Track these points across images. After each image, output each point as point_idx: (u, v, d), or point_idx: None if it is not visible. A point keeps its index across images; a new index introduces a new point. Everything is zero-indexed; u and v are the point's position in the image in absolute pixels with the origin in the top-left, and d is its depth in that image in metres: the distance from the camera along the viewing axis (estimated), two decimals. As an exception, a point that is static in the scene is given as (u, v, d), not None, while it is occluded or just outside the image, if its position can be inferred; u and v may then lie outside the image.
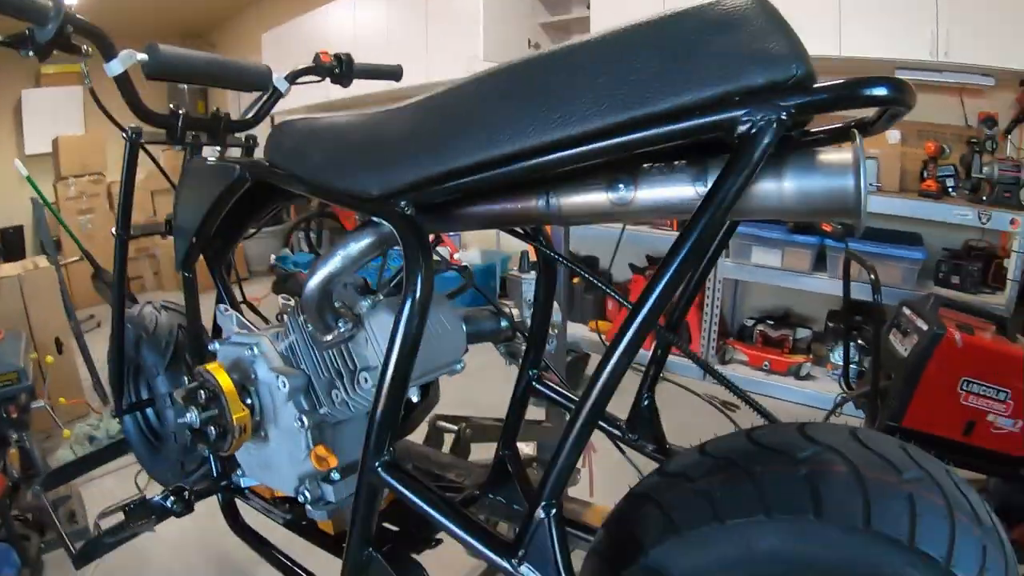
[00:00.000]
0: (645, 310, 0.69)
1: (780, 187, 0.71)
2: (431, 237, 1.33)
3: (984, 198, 3.32)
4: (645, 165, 0.80)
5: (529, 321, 1.26)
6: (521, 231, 1.09)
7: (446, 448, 1.78)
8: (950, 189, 3.50)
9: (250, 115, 1.74)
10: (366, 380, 1.06)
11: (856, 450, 0.73)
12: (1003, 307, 3.22)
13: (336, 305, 1.08)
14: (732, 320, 4.65)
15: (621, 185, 0.80)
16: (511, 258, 5.32)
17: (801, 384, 3.92)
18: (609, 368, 0.71)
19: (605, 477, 2.17)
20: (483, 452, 1.86)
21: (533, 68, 0.77)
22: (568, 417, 0.76)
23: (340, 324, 1.05)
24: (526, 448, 1.88)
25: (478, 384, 2.44)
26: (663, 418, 3.35)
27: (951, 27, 3.18)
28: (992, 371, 2.33)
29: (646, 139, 0.68)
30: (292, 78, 1.81)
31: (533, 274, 1.28)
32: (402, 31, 5.38)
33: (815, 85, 0.63)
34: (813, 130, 0.76)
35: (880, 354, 2.51)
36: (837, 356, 3.94)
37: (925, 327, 2.38)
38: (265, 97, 1.77)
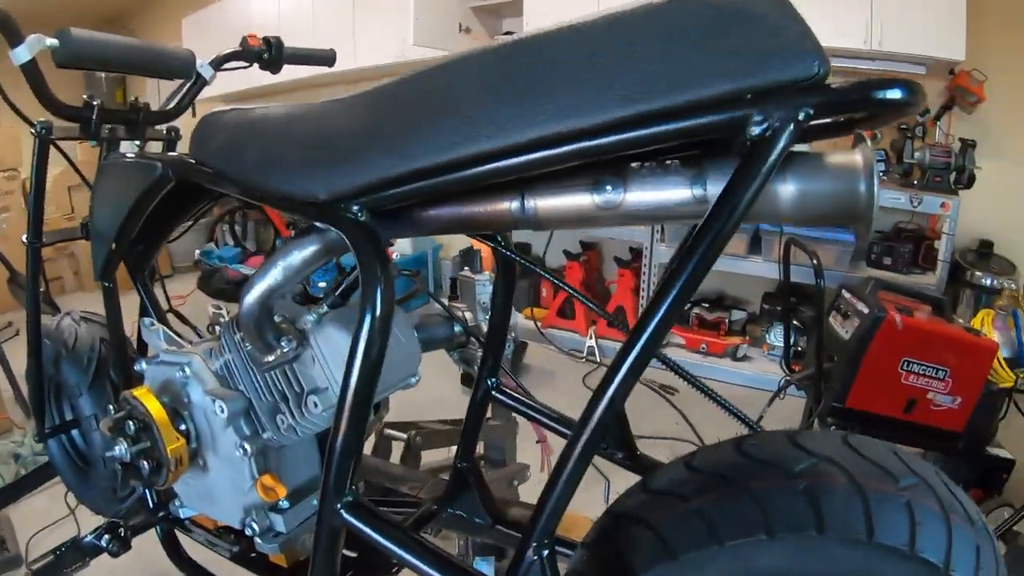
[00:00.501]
0: (651, 328, 0.61)
1: (783, 191, 0.64)
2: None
3: (915, 182, 3.43)
4: (634, 165, 0.71)
5: (484, 325, 1.18)
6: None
7: (395, 457, 1.69)
8: (882, 174, 3.56)
9: (171, 105, 1.60)
10: (315, 404, 0.97)
11: (851, 459, 0.71)
12: (934, 287, 3.34)
13: (277, 320, 0.98)
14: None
15: (608, 186, 0.70)
16: (443, 247, 5.22)
17: (738, 366, 3.96)
18: (609, 394, 0.63)
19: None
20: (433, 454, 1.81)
21: (517, 54, 0.68)
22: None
23: (283, 343, 0.95)
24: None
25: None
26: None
27: (884, 17, 3.25)
28: (931, 351, 2.37)
29: (647, 138, 0.60)
30: (217, 64, 1.69)
31: (487, 275, 1.21)
32: (329, 14, 5.17)
33: (832, 85, 0.57)
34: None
35: (823, 336, 2.52)
36: (773, 337, 3.99)
37: (866, 310, 2.41)
38: (188, 85, 1.64)
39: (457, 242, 5.07)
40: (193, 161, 1.00)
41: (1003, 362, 2.49)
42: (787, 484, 0.69)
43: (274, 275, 0.89)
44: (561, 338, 4.34)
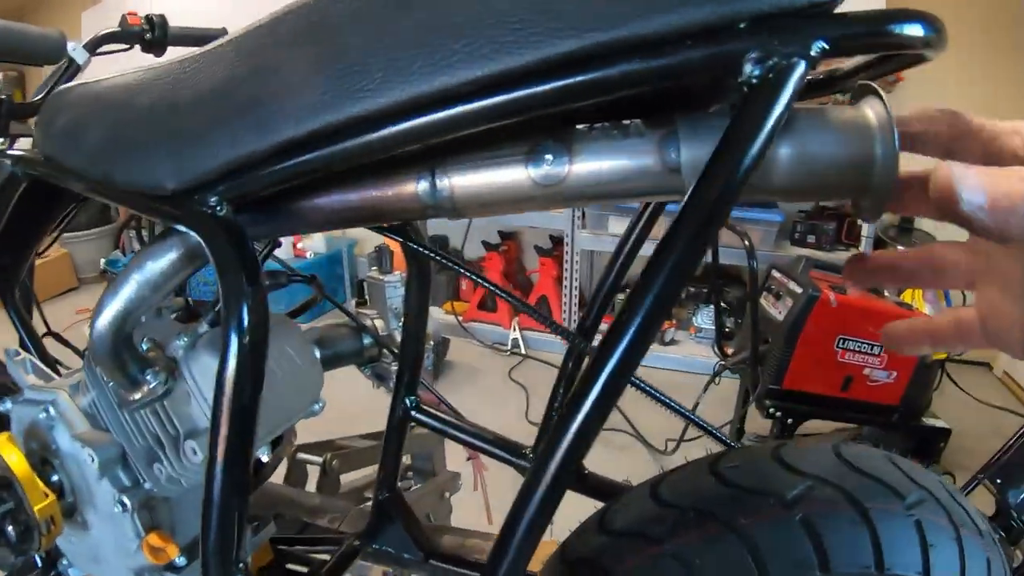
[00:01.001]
0: (631, 332, 0.43)
1: (776, 158, 0.47)
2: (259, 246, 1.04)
3: None
4: (579, 127, 0.52)
5: (398, 334, 1.00)
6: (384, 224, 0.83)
7: (312, 483, 1.50)
8: None
9: (40, 96, 1.39)
10: (194, 451, 0.78)
11: (850, 477, 0.61)
12: None
13: (143, 348, 0.78)
14: (590, 292, 4.54)
15: (549, 155, 0.51)
16: (358, 243, 4.93)
17: (667, 350, 3.89)
18: (581, 417, 0.45)
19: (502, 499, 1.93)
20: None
21: None
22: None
23: (149, 377, 0.76)
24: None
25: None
26: (535, 397, 3.14)
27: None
28: (866, 327, 2.38)
29: (602, 82, 0.43)
30: (92, 47, 1.48)
31: (398, 276, 1.03)
32: (234, 11, 4.87)
33: (850, 14, 0.43)
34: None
35: (758, 319, 2.47)
36: (699, 319, 3.95)
37: (799, 289, 2.40)
38: (59, 72, 1.43)
39: (376, 237, 4.78)
40: (38, 155, 0.79)
41: None
42: (781, 516, 0.58)
43: (126, 294, 0.69)
44: (484, 332, 4.20)
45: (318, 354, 0.93)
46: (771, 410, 2.46)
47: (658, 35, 0.42)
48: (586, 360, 0.90)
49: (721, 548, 0.58)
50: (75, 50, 1.44)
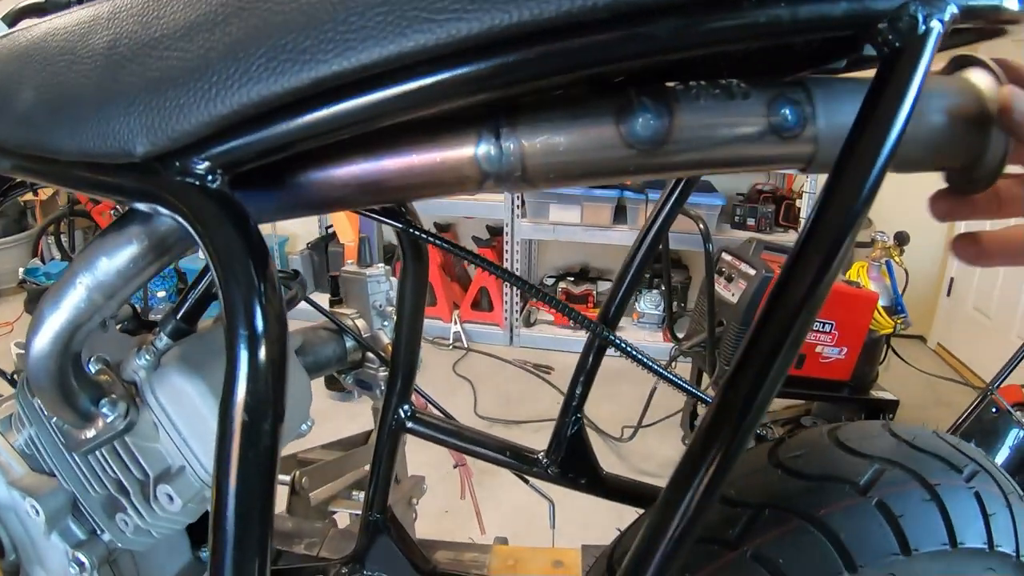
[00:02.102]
0: (797, 321, 0.37)
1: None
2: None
3: None
4: (675, 84, 0.43)
5: (383, 336, 0.86)
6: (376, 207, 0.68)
7: (280, 502, 1.34)
8: None
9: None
10: (170, 497, 0.62)
11: (911, 455, 0.60)
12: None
13: (93, 371, 0.63)
14: (530, 281, 4.46)
15: (648, 113, 0.41)
16: (290, 239, 4.66)
17: (608, 337, 3.82)
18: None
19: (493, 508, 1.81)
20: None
21: None
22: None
23: (105, 409, 0.60)
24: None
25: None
26: (481, 392, 3.03)
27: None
28: None
29: (732, 30, 0.36)
30: (11, 20, 1.29)
31: (383, 268, 0.88)
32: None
33: None
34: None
35: (714, 302, 2.42)
36: (642, 304, 3.90)
37: (752, 271, 2.38)
38: None
39: (305, 230, 4.51)
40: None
41: (881, 311, 2.55)
42: (858, 503, 0.56)
43: (73, 303, 0.52)
44: (424, 326, 4.03)
45: (300, 363, 0.79)
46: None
47: None
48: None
49: (803, 543, 0.55)
50: (-7, 24, 1.25)
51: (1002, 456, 1.94)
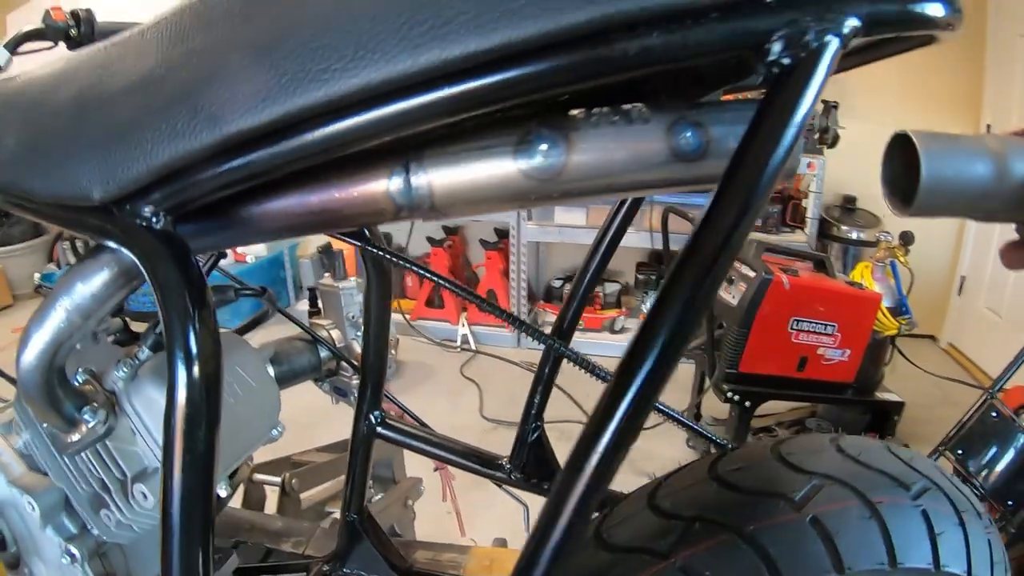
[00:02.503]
0: (660, 341, 0.39)
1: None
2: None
3: None
4: (576, 112, 0.46)
5: (357, 345, 0.93)
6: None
7: (271, 503, 1.41)
8: None
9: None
10: (144, 495, 0.69)
11: (854, 471, 0.60)
12: (805, 244, 3.44)
13: (78, 381, 0.70)
14: (538, 284, 4.51)
15: (543, 144, 0.44)
16: (300, 244, 4.75)
17: (617, 338, 3.89)
18: (604, 444, 0.40)
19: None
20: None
21: None
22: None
23: (87, 415, 0.67)
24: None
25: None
26: (488, 394, 3.09)
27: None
28: (819, 308, 2.39)
29: (615, 60, 0.38)
30: (13, 45, 1.38)
31: (353, 282, 0.95)
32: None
33: None
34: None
35: (712, 305, 2.45)
36: (648, 307, 3.91)
37: (752, 274, 2.38)
38: None
39: (320, 236, 4.62)
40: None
41: (885, 312, 2.54)
42: (791, 519, 0.56)
43: (54, 323, 0.60)
44: (432, 329, 4.10)
45: (273, 373, 0.86)
46: (729, 394, 2.44)
47: (679, 8, 0.37)
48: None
49: (732, 557, 0.55)
50: (-5, 51, 1.33)
51: (1004, 462, 1.88)
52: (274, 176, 0.45)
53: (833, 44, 0.37)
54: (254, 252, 4.41)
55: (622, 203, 0.78)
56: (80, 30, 1.43)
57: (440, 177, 0.46)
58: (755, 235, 3.41)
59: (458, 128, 0.46)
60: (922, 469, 0.62)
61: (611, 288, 4.12)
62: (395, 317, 4.00)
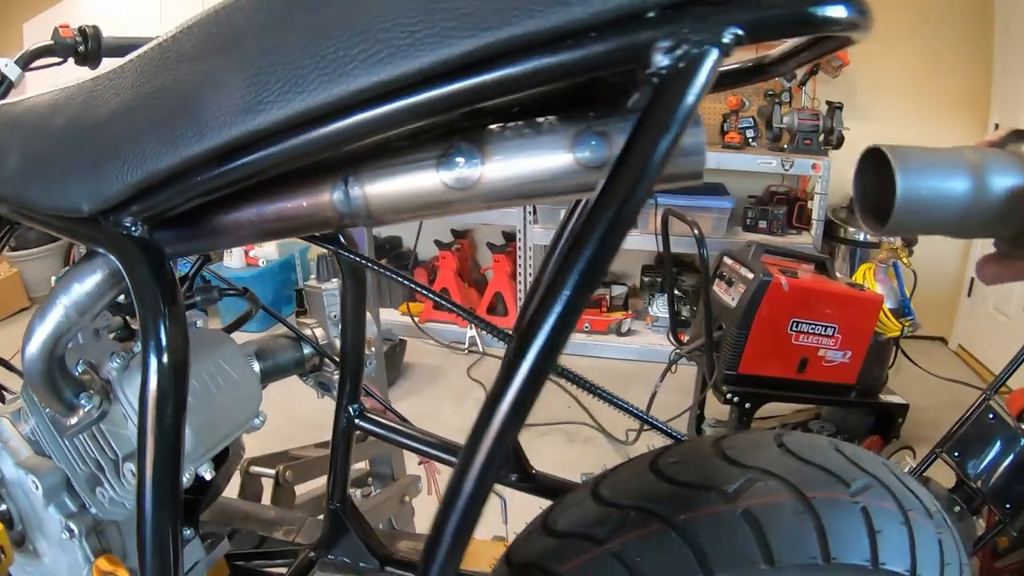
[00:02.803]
0: (542, 338, 0.43)
1: (965, 195, 0.51)
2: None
3: (785, 146, 3.56)
4: (493, 126, 0.52)
5: (339, 343, 1.01)
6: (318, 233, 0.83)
7: (267, 495, 1.49)
8: (751, 140, 3.67)
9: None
10: (133, 474, 0.78)
11: (792, 467, 0.62)
12: (811, 246, 3.50)
13: (78, 371, 0.78)
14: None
15: (460, 158, 0.51)
16: (311, 248, 4.87)
17: (624, 340, 3.96)
18: (499, 421, 0.46)
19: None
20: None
21: None
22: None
23: (83, 401, 0.76)
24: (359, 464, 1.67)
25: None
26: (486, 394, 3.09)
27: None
28: (818, 309, 2.43)
29: (506, 80, 0.42)
30: (25, 62, 1.46)
31: (336, 283, 1.02)
32: (178, 13, 4.83)
33: None
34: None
35: (711, 306, 2.50)
36: (656, 308, 4.02)
37: (751, 275, 2.42)
38: None
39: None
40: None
41: (888, 313, 2.57)
42: (723, 511, 0.58)
43: (54, 319, 0.69)
44: (441, 331, 4.20)
45: (257, 367, 0.94)
46: (728, 395, 2.48)
47: (560, 30, 0.41)
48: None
49: (662, 546, 0.58)
50: (7, 66, 1.41)
51: (1002, 465, 1.86)
52: (230, 190, 0.54)
53: (712, 54, 0.40)
54: (265, 255, 4.53)
55: (576, 204, 0.84)
56: (88, 46, 1.51)
57: (374, 189, 0.54)
58: (760, 237, 3.47)
59: (389, 145, 0.53)
60: (868, 467, 0.63)
61: (618, 291, 4.19)
62: (404, 320, 4.12)
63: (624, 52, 0.41)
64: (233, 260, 4.50)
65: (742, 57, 0.55)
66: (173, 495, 0.57)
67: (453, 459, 0.98)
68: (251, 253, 4.54)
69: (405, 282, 0.84)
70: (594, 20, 0.40)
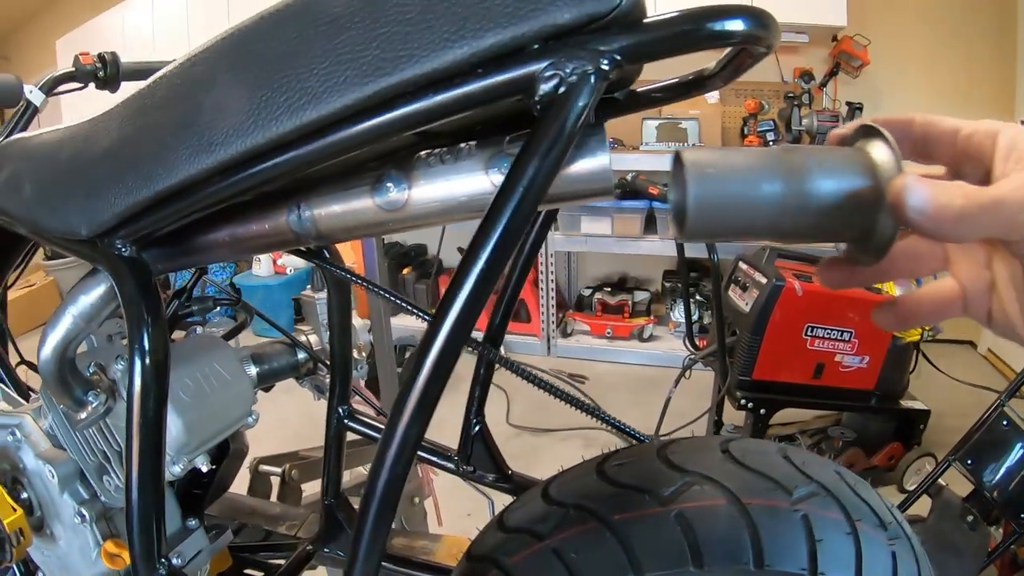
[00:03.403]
0: (445, 329, 0.50)
1: (787, 197, 0.48)
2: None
3: None
4: (422, 153, 0.60)
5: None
6: (303, 248, 0.94)
7: (275, 493, 1.61)
8: (771, 142, 3.72)
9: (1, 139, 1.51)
10: (133, 462, 0.90)
11: (732, 473, 0.64)
12: (834, 249, 3.34)
13: (89, 372, 0.90)
14: (569, 292, 4.70)
15: (390, 184, 0.59)
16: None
17: (646, 346, 4.02)
18: (409, 412, 0.54)
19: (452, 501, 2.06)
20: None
21: (251, 36, 0.56)
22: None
23: (91, 398, 0.87)
24: (362, 469, 1.76)
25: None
26: (515, 401, 3.24)
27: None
28: (834, 314, 2.44)
29: (405, 118, 0.49)
30: (48, 88, 1.58)
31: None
32: (204, 27, 5.00)
33: (646, 20, 0.46)
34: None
35: (722, 311, 2.55)
36: (677, 314, 4.07)
37: (764, 280, 2.44)
38: (18, 114, 1.53)
39: (345, 251, 4.90)
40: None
41: None
42: (655, 513, 0.62)
43: (64, 327, 0.80)
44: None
45: (253, 370, 1.05)
46: (742, 401, 2.51)
47: (450, 70, 0.47)
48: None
49: (597, 544, 0.62)
50: (32, 93, 1.53)
51: (1017, 474, 1.87)
52: (200, 215, 0.65)
53: (589, 80, 0.44)
54: (293, 264, 4.71)
55: (538, 215, 0.91)
56: (107, 71, 1.62)
57: (321, 212, 0.64)
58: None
59: (334, 172, 0.63)
60: (815, 475, 0.64)
61: (640, 296, 4.27)
62: (422, 326, 4.22)
63: (510, 85, 0.47)
64: (262, 269, 4.70)
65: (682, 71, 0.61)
66: (155, 479, 0.68)
67: (434, 458, 1.08)
68: (279, 262, 4.73)
69: (385, 294, 0.94)
70: (476, 59, 0.47)
